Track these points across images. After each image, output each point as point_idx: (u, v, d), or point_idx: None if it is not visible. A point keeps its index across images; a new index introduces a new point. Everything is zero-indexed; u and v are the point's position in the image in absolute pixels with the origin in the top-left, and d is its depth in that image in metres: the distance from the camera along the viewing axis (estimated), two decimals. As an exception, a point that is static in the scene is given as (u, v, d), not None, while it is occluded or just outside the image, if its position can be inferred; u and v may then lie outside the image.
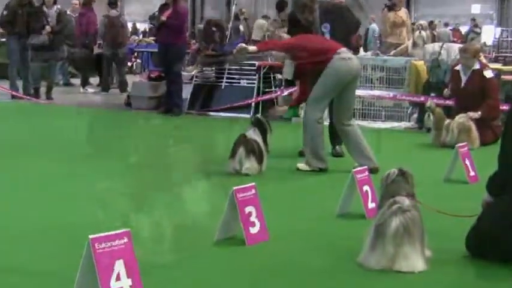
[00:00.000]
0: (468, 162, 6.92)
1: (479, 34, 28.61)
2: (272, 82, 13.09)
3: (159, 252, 4.33)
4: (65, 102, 14.37)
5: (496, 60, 18.26)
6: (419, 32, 12.98)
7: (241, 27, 21.53)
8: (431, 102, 9.94)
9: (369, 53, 13.52)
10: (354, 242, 4.45)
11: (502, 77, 11.51)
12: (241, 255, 4.40)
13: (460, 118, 9.29)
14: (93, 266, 3.37)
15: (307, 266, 4.23)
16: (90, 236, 3.38)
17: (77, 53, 17.17)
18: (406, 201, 4.05)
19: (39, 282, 3.88)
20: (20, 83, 14.83)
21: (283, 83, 12.67)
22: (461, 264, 4.31)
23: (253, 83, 12.69)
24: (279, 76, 12.90)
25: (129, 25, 23.15)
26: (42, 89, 14.74)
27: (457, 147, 6.95)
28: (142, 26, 31.95)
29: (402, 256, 4.01)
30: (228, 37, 15.43)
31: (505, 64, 14.12)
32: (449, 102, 10.35)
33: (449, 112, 9.90)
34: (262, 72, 12.70)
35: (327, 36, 8.11)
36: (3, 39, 16.42)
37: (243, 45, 7.88)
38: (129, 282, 3.47)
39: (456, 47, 11.37)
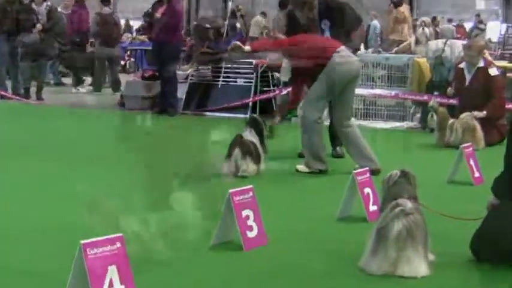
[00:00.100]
0: (473, 163, 6.92)
1: (484, 30, 28.63)
2: (270, 81, 13.08)
3: (154, 257, 4.32)
4: (56, 103, 14.36)
5: (501, 57, 18.28)
6: (422, 28, 13.00)
7: (238, 25, 21.55)
8: (434, 101, 9.94)
9: (370, 50, 13.52)
10: (355, 246, 4.44)
11: (508, 74, 11.50)
12: (239, 261, 4.40)
13: (465, 117, 9.29)
14: (84, 272, 3.36)
15: (306, 271, 4.23)
16: (82, 241, 3.38)
17: (69, 51, 17.17)
18: (408, 204, 4.05)
19: (31, 283, 3.91)
20: (9, 83, 14.82)
21: (282, 82, 12.67)
22: (466, 269, 4.31)
23: (251, 82, 12.69)
24: (277, 75, 12.89)
25: (122, 22, 23.12)
26: (32, 89, 14.74)
27: (462, 147, 6.95)
28: (136, 24, 31.93)
29: (405, 260, 4.01)
30: (225, 34, 15.42)
31: (511, 61, 14.11)
32: (453, 101, 10.35)
33: (453, 111, 9.90)
34: (259, 71, 12.70)
35: (327, 33, 8.11)
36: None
37: (238, 43, 7.87)
38: (122, 288, 3.47)
39: (460, 43, 11.38)
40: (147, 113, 12.67)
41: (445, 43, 11.34)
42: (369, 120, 11.77)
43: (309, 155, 7.34)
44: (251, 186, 4.71)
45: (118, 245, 3.48)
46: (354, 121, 7.65)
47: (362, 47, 12.66)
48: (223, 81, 12.97)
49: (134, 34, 27.32)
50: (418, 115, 11.52)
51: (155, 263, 4.23)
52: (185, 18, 26.61)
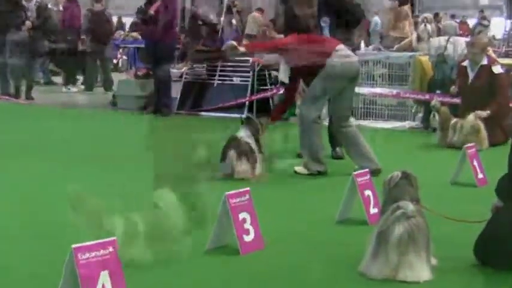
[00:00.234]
0: (476, 164, 6.93)
1: (487, 27, 28.67)
2: (267, 80, 13.08)
3: (147, 262, 4.32)
4: (47, 102, 14.36)
5: (506, 55, 18.28)
6: (424, 25, 12.99)
7: (234, 21, 21.54)
8: (436, 100, 9.95)
9: (371, 47, 13.54)
10: (355, 250, 4.45)
11: (512, 72, 11.53)
12: (235, 265, 4.40)
13: (468, 117, 9.29)
14: (76, 277, 3.36)
15: (305, 276, 4.23)
16: (73, 246, 3.37)
17: (59, 49, 17.17)
18: (410, 206, 4.05)
19: (29, 284, 3.96)
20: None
21: (279, 81, 12.66)
22: (469, 273, 4.31)
23: (247, 81, 12.69)
24: (274, 73, 12.88)
25: (115, 19, 23.11)
26: (21, 88, 14.72)
27: (465, 147, 6.96)
28: (129, 21, 31.89)
29: (406, 265, 4.01)
30: (220, 31, 15.43)
31: (515, 59, 14.13)
32: (456, 100, 10.36)
33: (456, 111, 9.91)
34: (256, 69, 12.70)
35: (326, 31, 8.12)
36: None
37: (234, 43, 7.85)
38: (115, 294, 3.46)
39: (463, 41, 11.39)
40: (140, 113, 12.66)
41: (448, 40, 11.35)
42: (370, 120, 11.78)
43: (308, 156, 7.34)
44: (248, 188, 4.71)
45: (110, 249, 3.48)
46: (353, 121, 7.65)
47: (362, 44, 12.65)
48: (218, 80, 12.97)
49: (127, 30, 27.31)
50: (420, 114, 11.53)
51: (148, 268, 4.23)
52: (180, 14, 26.60)
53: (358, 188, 5.34)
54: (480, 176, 6.91)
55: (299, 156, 7.92)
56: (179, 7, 13.61)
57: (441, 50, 11.23)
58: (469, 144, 7.15)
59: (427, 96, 11.05)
